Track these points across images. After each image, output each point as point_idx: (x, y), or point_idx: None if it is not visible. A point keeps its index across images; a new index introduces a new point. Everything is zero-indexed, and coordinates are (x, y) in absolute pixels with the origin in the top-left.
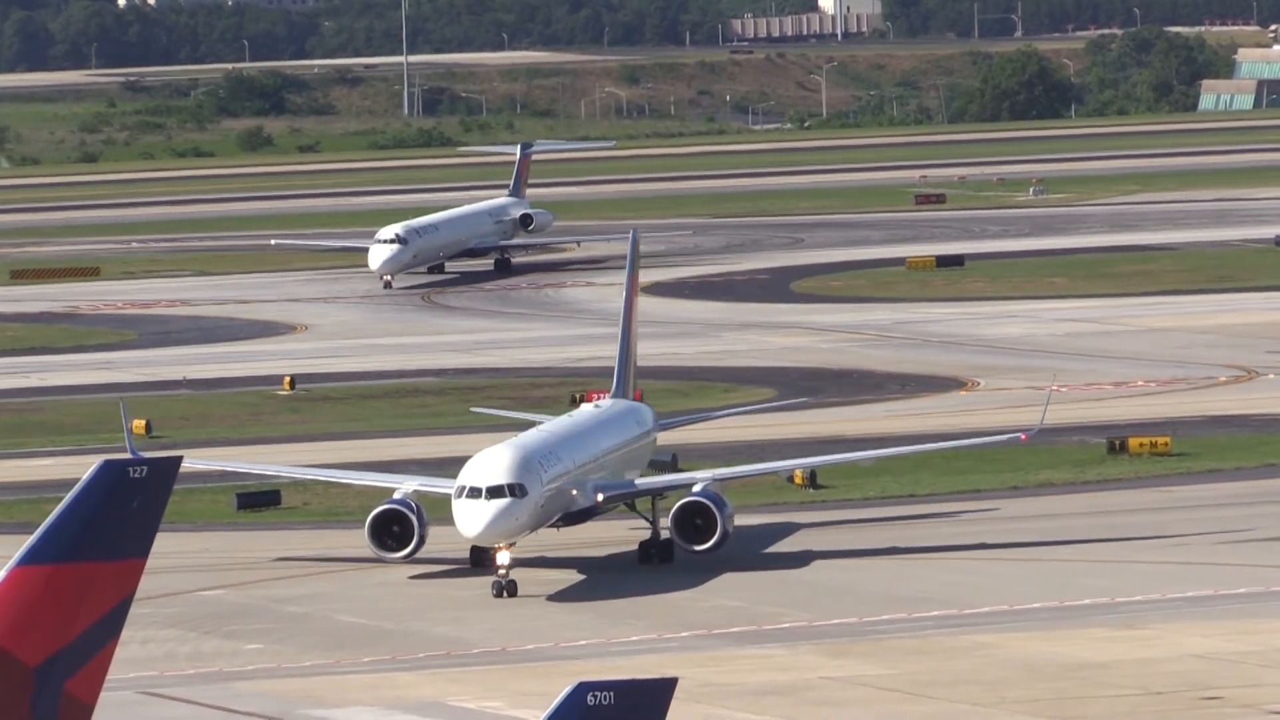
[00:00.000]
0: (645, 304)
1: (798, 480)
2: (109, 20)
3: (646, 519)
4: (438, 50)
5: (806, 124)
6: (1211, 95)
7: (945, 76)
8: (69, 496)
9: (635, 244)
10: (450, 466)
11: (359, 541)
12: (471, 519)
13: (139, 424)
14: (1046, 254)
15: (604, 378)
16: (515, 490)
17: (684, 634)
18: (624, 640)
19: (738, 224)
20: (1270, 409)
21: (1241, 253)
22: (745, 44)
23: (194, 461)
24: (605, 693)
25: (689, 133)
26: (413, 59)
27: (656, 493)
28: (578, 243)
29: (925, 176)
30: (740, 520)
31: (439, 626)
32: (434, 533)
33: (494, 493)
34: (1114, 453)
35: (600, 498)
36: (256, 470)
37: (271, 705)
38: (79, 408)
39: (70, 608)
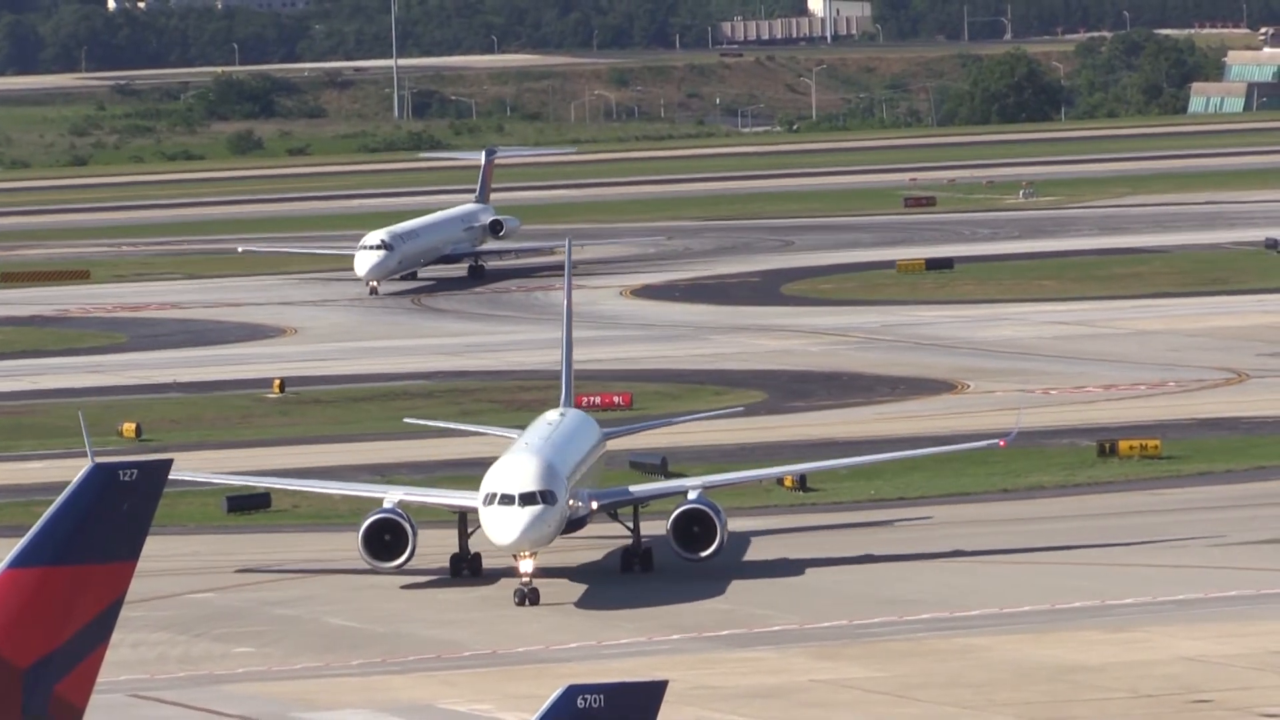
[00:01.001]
0: (636, 307)
1: (788, 483)
2: (99, 23)
3: (628, 527)
4: (427, 53)
5: (796, 127)
6: (1201, 98)
7: (935, 79)
8: (60, 499)
9: (570, 253)
10: (438, 470)
11: (345, 545)
12: (504, 526)
13: (129, 427)
14: (1036, 257)
15: (594, 380)
16: (547, 497)
17: (674, 637)
18: (614, 643)
19: (728, 227)
20: (1260, 412)
21: (1232, 255)
22: (735, 47)
23: (182, 474)
24: (595, 695)
25: (678, 135)
26: (402, 62)
27: (645, 501)
28: (552, 248)
29: (915, 179)
30: (730, 523)
31: (429, 629)
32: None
33: (526, 499)
34: (1104, 455)
35: (594, 505)
36: (239, 482)
37: (262, 708)
38: (70, 410)
39: (61, 610)
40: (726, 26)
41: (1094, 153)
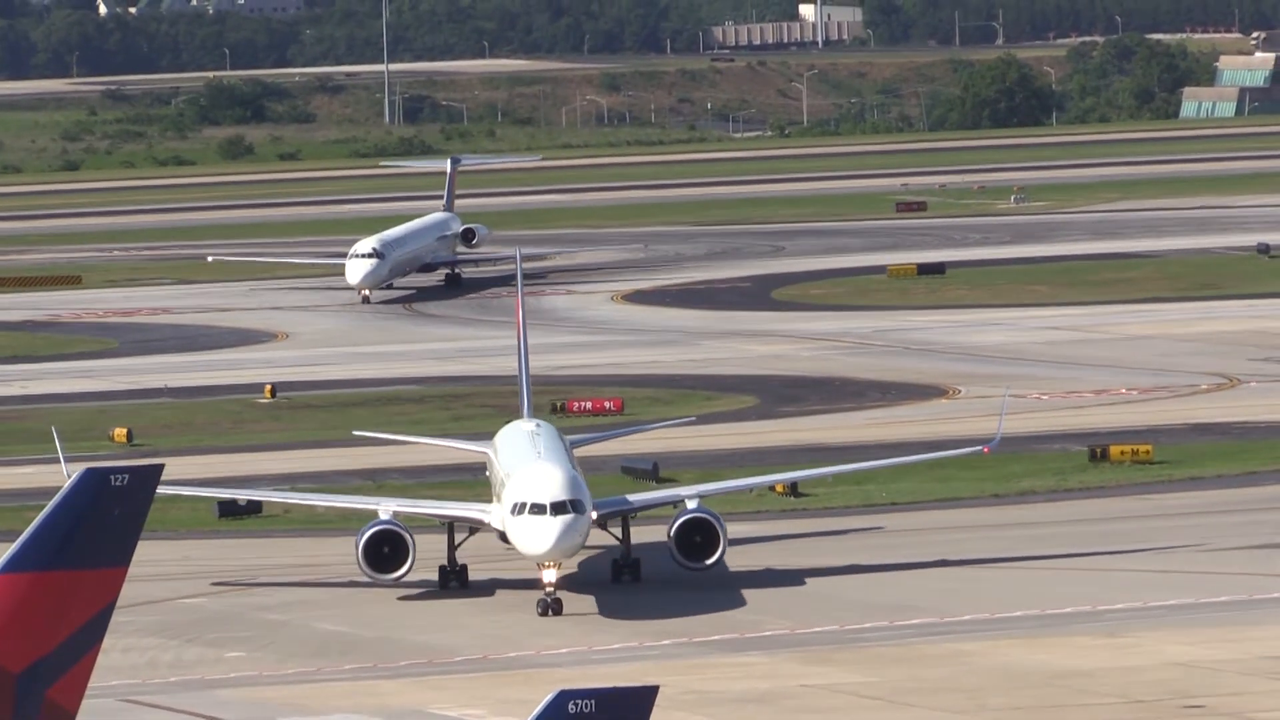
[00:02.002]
0: (628, 312)
1: (778, 489)
2: (90, 29)
3: (617, 537)
4: (419, 58)
5: (787, 132)
6: (1193, 103)
7: (926, 84)
8: (51, 504)
9: (520, 265)
10: (429, 476)
11: (336, 549)
12: (537, 536)
13: (120, 432)
14: (1028, 262)
15: (585, 386)
16: (577, 506)
17: (665, 642)
18: (605, 648)
19: (719, 232)
20: (1251, 417)
21: (1223, 260)
22: (726, 52)
23: (170, 486)
24: (586, 700)
25: (670, 140)
26: (394, 67)
27: (642, 510)
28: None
29: (906, 184)
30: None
31: (420, 634)
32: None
33: (558, 509)
34: (1095, 461)
35: (594, 515)
36: (227, 495)
37: (252, 712)
38: (61, 416)
39: (52, 615)
40: (718, 31)
41: (1085, 157)
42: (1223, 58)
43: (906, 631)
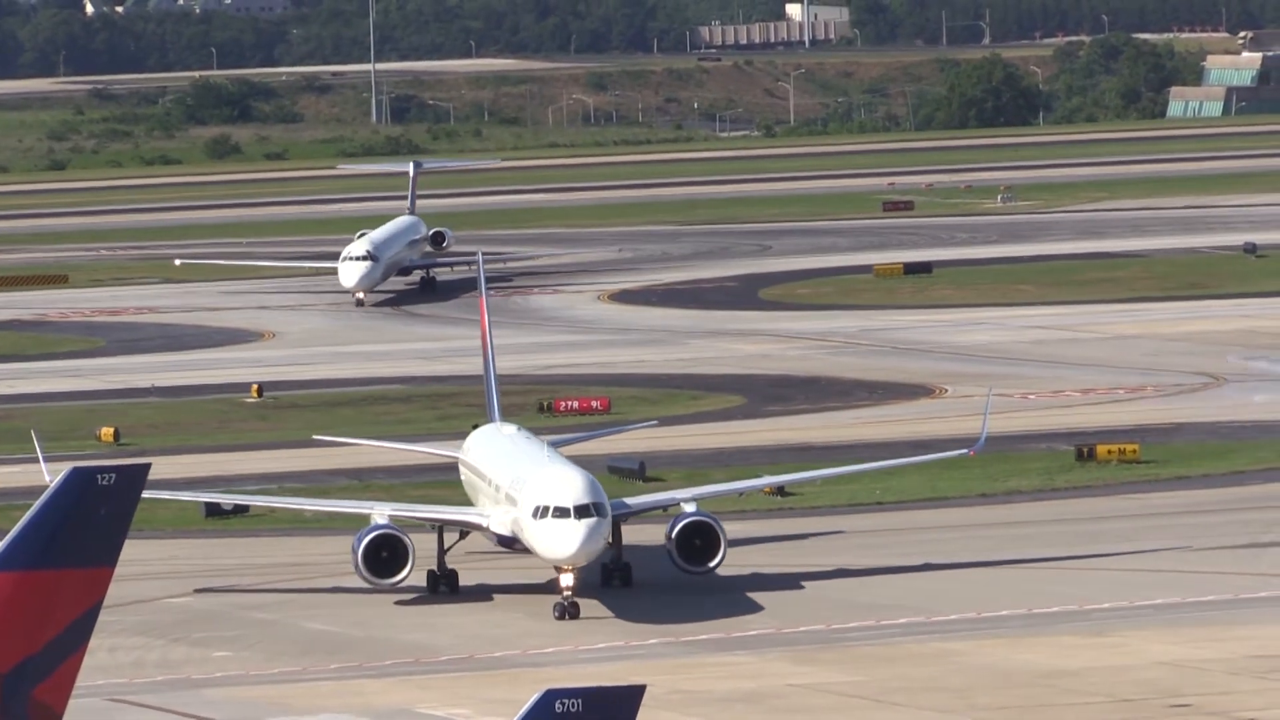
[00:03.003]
0: (614, 311)
1: (765, 489)
2: (77, 28)
3: (608, 540)
4: (405, 58)
5: (774, 131)
6: (1180, 102)
7: (913, 84)
8: (38, 503)
9: (481, 267)
10: (414, 476)
11: (319, 550)
12: (561, 540)
13: (107, 431)
14: (1014, 261)
15: (572, 384)
16: (599, 509)
17: (652, 641)
18: (592, 647)
19: (705, 231)
20: (1238, 417)
21: (1210, 260)
22: (713, 51)
23: (165, 491)
24: (573, 700)
25: (656, 140)
26: (380, 67)
27: (633, 515)
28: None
29: (893, 184)
30: None
31: (407, 634)
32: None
33: (581, 512)
34: (1082, 460)
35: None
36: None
37: (239, 712)
38: (48, 415)
39: (39, 615)
40: (704, 31)
41: (1072, 157)
42: (1210, 57)
43: (893, 631)
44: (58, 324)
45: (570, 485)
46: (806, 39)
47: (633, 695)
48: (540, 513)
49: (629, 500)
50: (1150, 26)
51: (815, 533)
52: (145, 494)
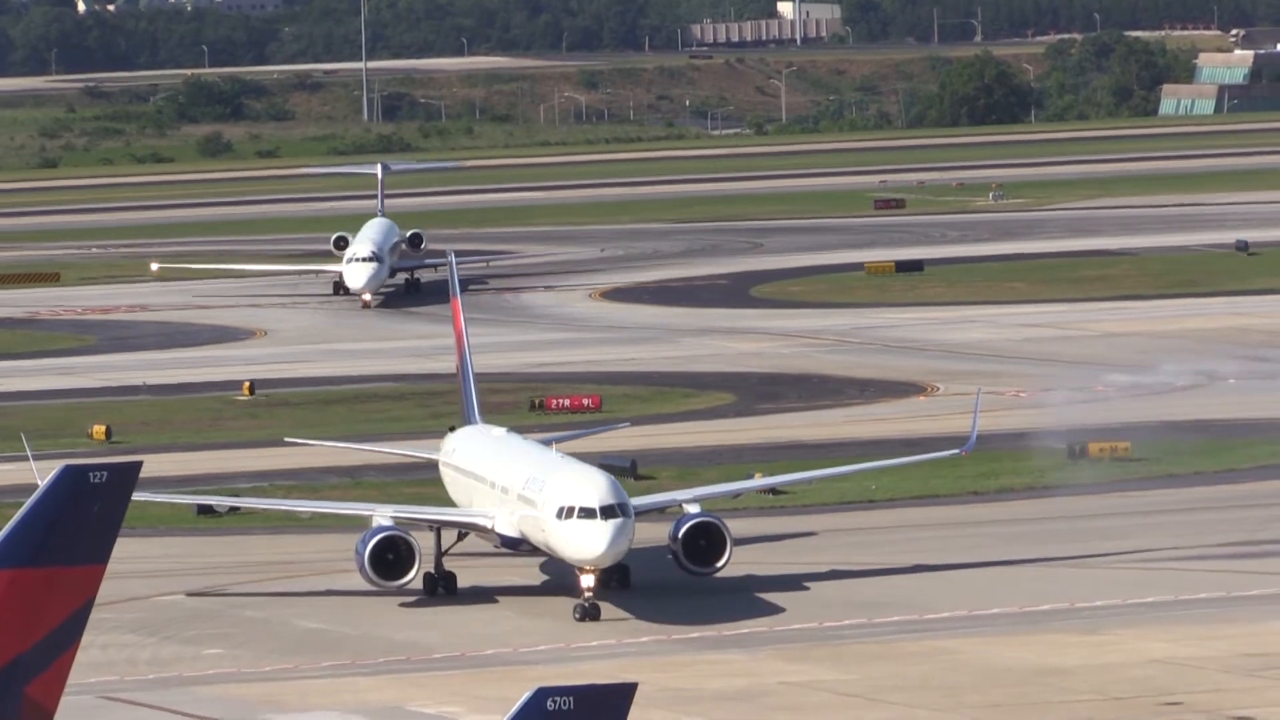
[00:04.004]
0: (606, 309)
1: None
2: (69, 26)
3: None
4: (397, 56)
5: (766, 129)
6: (1172, 100)
7: (905, 82)
8: (30, 501)
9: (453, 267)
10: (406, 473)
11: (311, 548)
12: (590, 540)
13: (99, 429)
14: (1006, 259)
15: (563, 382)
16: (625, 510)
17: (643, 639)
18: (583, 645)
19: (697, 229)
20: (1230, 414)
21: (1202, 257)
22: (704, 49)
23: (154, 495)
24: (564, 698)
25: (648, 137)
26: (372, 64)
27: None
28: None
29: (885, 181)
30: None
31: (399, 631)
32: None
33: (608, 513)
34: (1073, 458)
35: None
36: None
37: (231, 710)
38: (39, 413)
39: (31, 612)
40: (696, 29)
41: (1064, 155)
42: (1201, 55)
43: (885, 629)
44: (49, 321)
45: (596, 486)
46: (798, 37)
47: (624, 693)
48: (566, 513)
49: (632, 500)
50: (1142, 24)
51: (807, 531)
52: (142, 496)
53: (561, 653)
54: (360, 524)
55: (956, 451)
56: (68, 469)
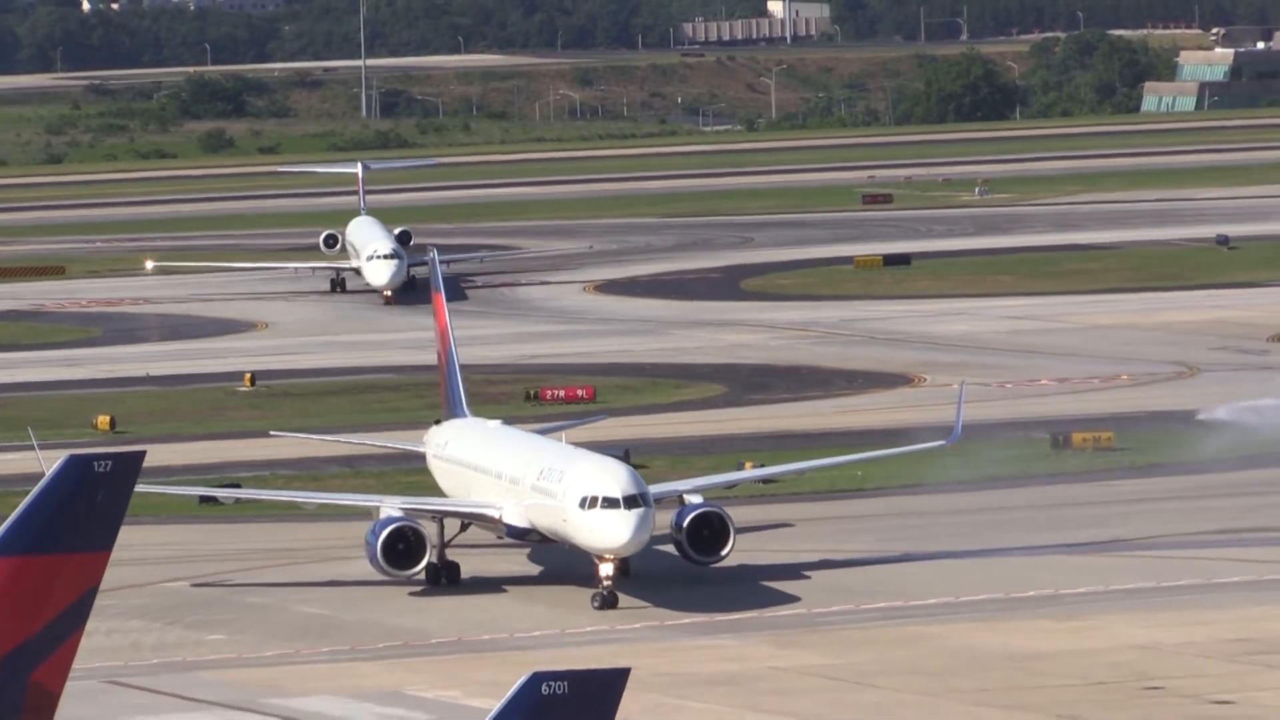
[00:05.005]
0: (599, 302)
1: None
2: (74, 24)
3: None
4: (395, 53)
5: (756, 125)
6: (1154, 97)
7: (892, 79)
8: (35, 490)
9: (435, 265)
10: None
11: (313, 535)
12: (614, 530)
13: (104, 419)
14: (991, 253)
15: (557, 374)
16: (646, 499)
17: (637, 625)
18: (578, 631)
19: (689, 223)
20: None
21: (1184, 252)
22: (696, 47)
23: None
24: (559, 682)
25: (641, 134)
26: (370, 62)
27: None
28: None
29: (873, 177)
30: None
31: (397, 617)
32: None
33: (631, 502)
34: (1057, 448)
35: None
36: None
37: (234, 694)
38: (45, 403)
39: (36, 599)
40: (688, 27)
41: (1048, 151)
42: (1183, 53)
43: (872, 615)
44: (55, 314)
45: (617, 476)
46: (788, 35)
47: (618, 678)
48: (589, 503)
49: None
50: (1125, 23)
51: (796, 518)
52: (148, 488)
53: (556, 638)
54: (364, 514)
55: (942, 443)
56: (73, 458)
